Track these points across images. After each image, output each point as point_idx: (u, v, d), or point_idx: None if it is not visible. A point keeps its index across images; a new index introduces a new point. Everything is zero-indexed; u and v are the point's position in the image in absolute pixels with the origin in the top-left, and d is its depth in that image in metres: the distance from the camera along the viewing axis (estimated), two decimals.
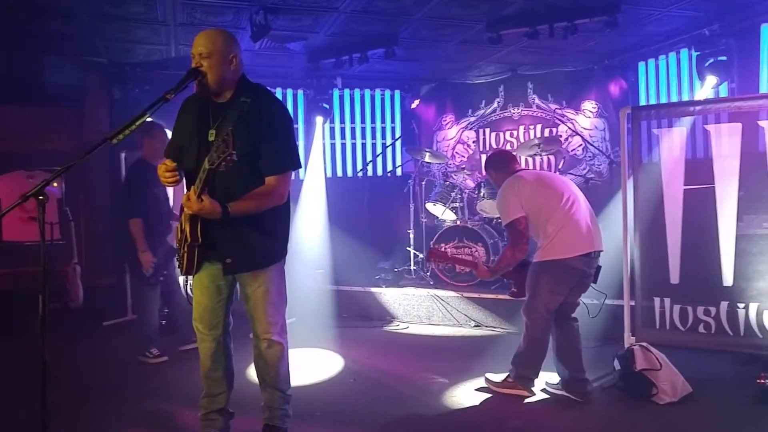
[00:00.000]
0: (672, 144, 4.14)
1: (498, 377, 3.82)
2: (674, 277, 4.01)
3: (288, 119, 2.74)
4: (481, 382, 3.91)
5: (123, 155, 6.18)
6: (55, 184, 7.00)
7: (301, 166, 2.79)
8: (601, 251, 3.66)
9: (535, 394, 3.71)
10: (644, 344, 3.77)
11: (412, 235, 6.74)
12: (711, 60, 5.44)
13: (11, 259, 6.61)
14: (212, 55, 2.55)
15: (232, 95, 2.65)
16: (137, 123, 2.33)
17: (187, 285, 5.30)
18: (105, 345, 5.20)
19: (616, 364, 3.80)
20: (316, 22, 5.38)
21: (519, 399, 3.66)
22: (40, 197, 2.11)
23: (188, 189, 2.60)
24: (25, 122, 6.87)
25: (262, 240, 2.68)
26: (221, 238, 2.62)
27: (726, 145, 3.91)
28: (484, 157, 7.70)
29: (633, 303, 4.14)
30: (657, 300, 4.05)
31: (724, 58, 5.39)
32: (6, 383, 4.02)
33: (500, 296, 5.65)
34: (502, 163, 3.87)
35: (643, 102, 6.53)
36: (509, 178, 3.71)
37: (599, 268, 3.67)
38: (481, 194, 6.27)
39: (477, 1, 4.89)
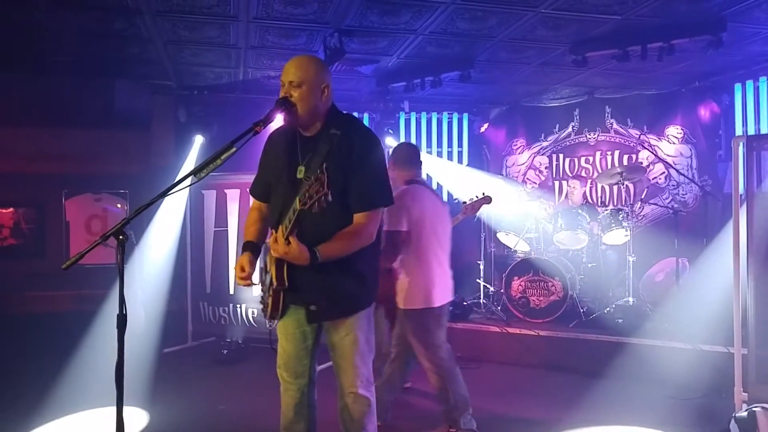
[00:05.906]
0: None
1: None
2: None
3: (380, 153, 2.50)
4: None
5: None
6: (118, 205, 7.05)
7: (392, 203, 2.55)
8: None
9: None
10: None
11: (482, 267, 6.40)
12: None
13: (76, 281, 6.61)
14: (303, 84, 2.35)
15: (321, 127, 2.44)
16: (223, 156, 2.15)
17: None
18: (166, 372, 5.08)
19: (734, 428, 3.34)
20: (391, 45, 5.19)
21: None
22: (120, 237, 1.96)
23: (275, 230, 2.38)
24: (94, 145, 6.91)
25: (351, 286, 2.46)
26: (307, 283, 2.40)
27: None
28: (557, 184, 7.34)
29: (745, 352, 3.68)
30: None
31: None
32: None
33: (580, 335, 5.26)
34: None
35: (738, 127, 6.07)
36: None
37: None
38: (559, 224, 5.91)
39: (565, 22, 4.59)
